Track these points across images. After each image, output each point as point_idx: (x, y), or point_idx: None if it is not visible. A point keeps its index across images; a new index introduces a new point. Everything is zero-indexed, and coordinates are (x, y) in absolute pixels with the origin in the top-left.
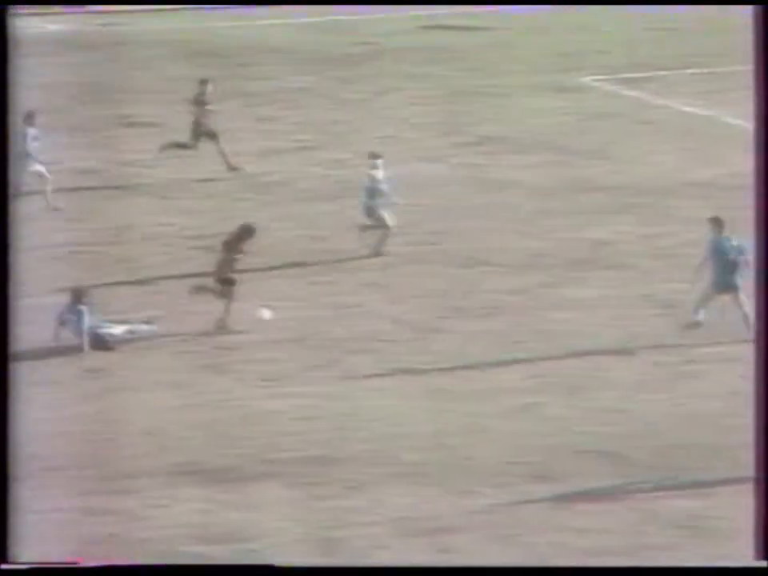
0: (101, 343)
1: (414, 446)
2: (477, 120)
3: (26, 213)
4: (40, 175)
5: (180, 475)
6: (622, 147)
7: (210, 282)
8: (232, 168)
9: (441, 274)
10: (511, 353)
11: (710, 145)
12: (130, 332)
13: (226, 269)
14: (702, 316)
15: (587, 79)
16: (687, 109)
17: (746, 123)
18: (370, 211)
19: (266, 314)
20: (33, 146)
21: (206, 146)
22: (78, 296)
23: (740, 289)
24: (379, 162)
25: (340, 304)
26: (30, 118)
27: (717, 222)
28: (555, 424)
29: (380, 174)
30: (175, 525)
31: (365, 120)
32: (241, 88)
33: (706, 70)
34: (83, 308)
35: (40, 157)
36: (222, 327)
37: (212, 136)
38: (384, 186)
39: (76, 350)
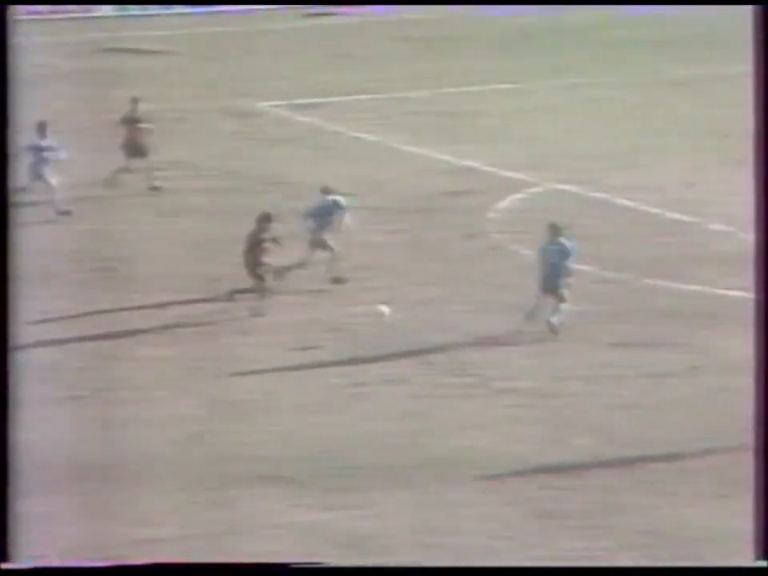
0: None
1: (86, 476)
2: (153, 145)
3: None
4: (47, 184)
5: None
6: (296, 172)
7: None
8: (154, 188)
9: (119, 300)
10: (188, 379)
11: (379, 169)
12: None
13: (257, 263)
14: (535, 317)
15: (262, 104)
16: (358, 134)
17: (413, 148)
18: (317, 242)
19: (386, 310)
20: (43, 155)
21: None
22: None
23: (561, 291)
24: (330, 197)
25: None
26: (41, 129)
27: (551, 229)
28: (229, 450)
29: (323, 205)
30: None
31: None
32: None
33: (376, 96)
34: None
35: (49, 166)
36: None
37: (143, 153)
38: (325, 217)
39: None
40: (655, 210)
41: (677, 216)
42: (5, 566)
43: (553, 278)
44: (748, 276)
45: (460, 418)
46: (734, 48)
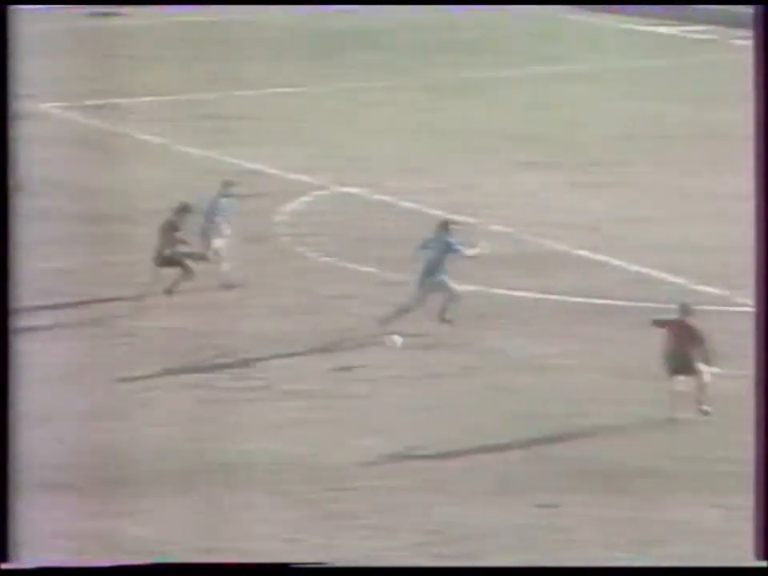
0: None
1: None
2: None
3: None
4: None
5: None
6: (80, 175)
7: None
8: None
9: None
10: None
11: (164, 173)
12: None
13: (169, 249)
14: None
15: (46, 106)
16: (143, 137)
17: (199, 151)
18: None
19: (398, 341)
20: None
21: None
22: None
23: (442, 284)
24: (232, 190)
25: None
26: None
27: (440, 225)
28: (10, 457)
29: (224, 201)
30: None
31: None
32: None
33: (162, 99)
34: None
35: None
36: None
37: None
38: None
39: None
40: (437, 212)
41: (457, 217)
42: (5, 566)
43: (431, 273)
44: (526, 276)
45: (245, 422)
46: (518, 52)
